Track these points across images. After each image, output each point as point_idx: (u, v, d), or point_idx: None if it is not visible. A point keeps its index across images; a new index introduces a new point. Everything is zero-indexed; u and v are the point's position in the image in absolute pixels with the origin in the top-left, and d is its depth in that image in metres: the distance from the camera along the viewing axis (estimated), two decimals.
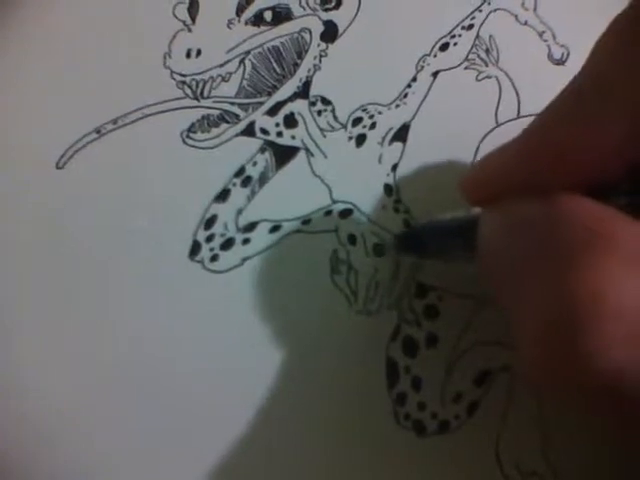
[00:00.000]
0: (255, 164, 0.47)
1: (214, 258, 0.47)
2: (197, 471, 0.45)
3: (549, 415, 0.45)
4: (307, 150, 0.48)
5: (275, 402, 0.44)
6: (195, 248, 0.47)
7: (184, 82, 0.48)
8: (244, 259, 0.48)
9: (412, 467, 0.45)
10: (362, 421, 0.45)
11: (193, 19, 0.49)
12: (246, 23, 0.49)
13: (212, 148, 0.48)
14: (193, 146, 0.48)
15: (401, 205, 0.47)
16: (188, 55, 0.48)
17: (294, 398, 0.45)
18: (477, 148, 0.48)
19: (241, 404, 0.45)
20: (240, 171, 0.48)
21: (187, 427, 0.44)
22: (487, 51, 0.50)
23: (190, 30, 0.49)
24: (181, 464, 0.45)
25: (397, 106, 0.49)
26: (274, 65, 0.49)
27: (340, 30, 0.50)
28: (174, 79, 0.48)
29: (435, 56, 0.50)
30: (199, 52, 0.48)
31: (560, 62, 0.49)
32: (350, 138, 0.48)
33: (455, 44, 0.50)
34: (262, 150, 0.49)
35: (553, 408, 0.44)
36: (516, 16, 0.50)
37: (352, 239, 0.47)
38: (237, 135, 0.48)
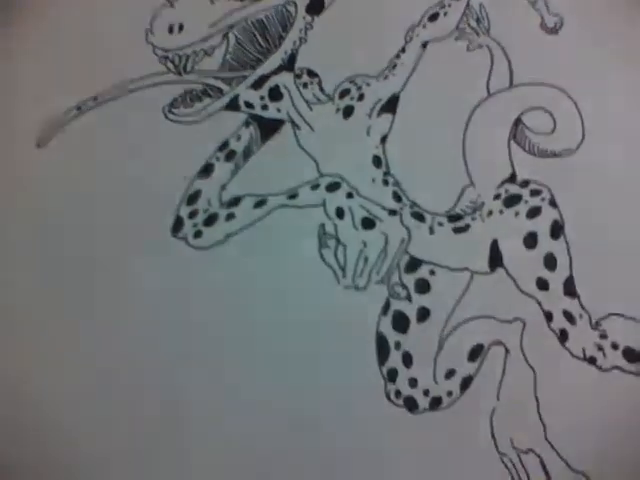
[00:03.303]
0: (239, 138, 0.49)
1: (197, 234, 0.50)
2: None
3: (544, 390, 0.45)
4: (293, 123, 0.50)
5: (261, 379, 0.46)
6: (178, 224, 0.50)
7: (167, 57, 0.50)
8: (228, 235, 0.50)
9: (404, 444, 0.46)
10: (352, 398, 0.46)
11: None
12: None
13: (195, 123, 0.49)
14: (176, 121, 0.50)
15: (390, 177, 0.49)
16: (171, 30, 0.50)
17: (281, 375, 0.47)
18: (468, 119, 0.50)
19: (229, 377, 0.47)
20: (224, 145, 0.51)
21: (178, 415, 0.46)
22: (478, 20, 0.51)
23: (172, 5, 0.51)
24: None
25: (386, 77, 0.51)
26: (258, 38, 0.51)
27: (326, 2, 0.51)
28: (157, 54, 0.50)
29: (424, 26, 0.52)
30: (181, 27, 0.50)
31: (553, 31, 0.51)
32: (337, 110, 0.50)
33: (445, 14, 0.52)
34: (246, 124, 0.51)
35: (549, 383, 0.44)
36: None
37: (340, 213, 0.49)
38: (221, 109, 0.50)
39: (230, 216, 0.49)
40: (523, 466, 0.45)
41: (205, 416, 0.46)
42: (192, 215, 0.49)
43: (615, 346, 0.47)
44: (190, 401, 0.46)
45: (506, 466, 0.46)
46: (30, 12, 0.53)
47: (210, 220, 0.49)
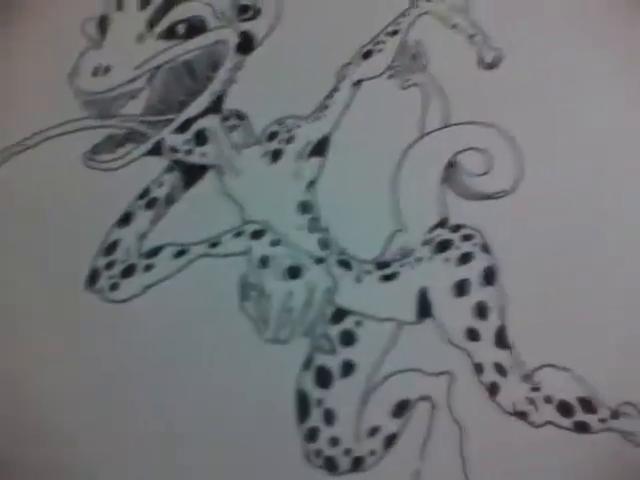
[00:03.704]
0: (161, 185, 0.48)
1: (114, 287, 0.48)
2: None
3: (472, 448, 0.43)
4: (218, 168, 0.48)
5: (173, 441, 0.44)
6: (94, 276, 0.48)
7: (90, 101, 0.48)
8: (146, 287, 0.48)
9: None
10: (270, 460, 0.45)
11: (103, 35, 0.50)
12: (158, 37, 0.50)
13: (116, 169, 0.48)
14: (96, 168, 0.48)
15: (318, 224, 0.48)
16: (95, 73, 0.49)
17: (199, 433, 0.45)
18: (401, 160, 0.48)
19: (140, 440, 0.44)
20: (145, 193, 0.50)
21: None
22: (413, 57, 0.50)
23: (100, 47, 0.49)
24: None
25: (317, 118, 0.49)
26: (186, 80, 0.49)
27: (257, 41, 0.50)
28: (79, 98, 0.48)
29: (358, 65, 0.49)
30: (107, 69, 0.49)
31: (492, 66, 0.49)
32: (265, 154, 0.49)
33: (379, 51, 0.50)
34: (169, 169, 0.50)
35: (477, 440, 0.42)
36: (445, 19, 0.50)
37: (264, 261, 0.47)
38: (143, 155, 0.48)
39: (149, 267, 0.48)
40: None
41: None
42: (109, 266, 0.47)
43: (548, 400, 0.45)
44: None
45: None
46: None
47: (128, 271, 0.47)
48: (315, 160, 0.50)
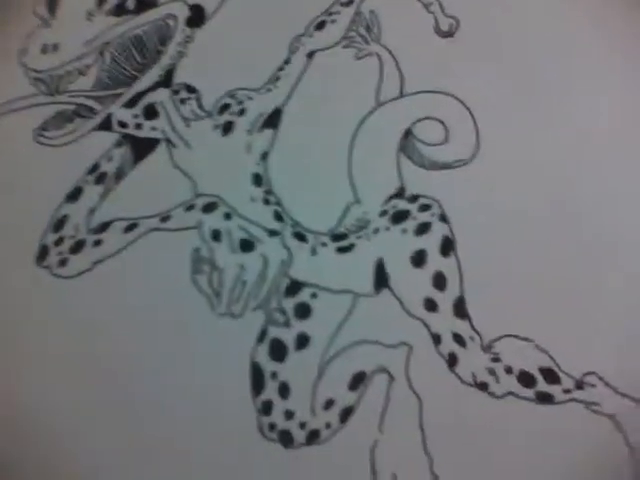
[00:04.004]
0: (111, 159, 0.47)
1: (63, 263, 0.47)
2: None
3: (431, 421, 0.42)
4: (168, 141, 0.47)
5: (128, 415, 0.44)
6: (43, 253, 0.47)
7: (39, 78, 0.47)
8: (95, 262, 0.47)
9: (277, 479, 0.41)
10: (224, 434, 0.44)
11: (53, 14, 0.49)
12: (107, 14, 0.49)
13: (65, 145, 0.47)
14: (45, 144, 0.47)
15: (272, 196, 0.46)
16: (44, 50, 0.48)
17: (152, 406, 0.44)
18: (356, 131, 0.47)
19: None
20: (94, 167, 0.49)
21: None
22: (368, 27, 0.49)
23: (49, 25, 0.48)
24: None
25: (268, 90, 0.49)
26: (135, 54, 0.48)
27: (208, 14, 0.49)
28: (28, 76, 0.47)
29: (311, 36, 0.49)
30: (56, 47, 0.48)
31: (448, 34, 0.48)
32: (216, 127, 0.48)
33: (333, 21, 0.49)
34: (119, 144, 0.49)
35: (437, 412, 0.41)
36: None
37: (216, 235, 0.46)
38: (92, 130, 0.47)
39: (98, 242, 0.47)
40: None
41: None
42: (58, 242, 0.46)
43: (509, 370, 0.44)
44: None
45: None
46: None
47: (77, 247, 0.46)
48: (268, 132, 0.49)
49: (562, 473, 0.41)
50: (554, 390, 0.43)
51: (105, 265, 0.47)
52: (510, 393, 0.44)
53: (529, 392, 0.44)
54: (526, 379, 0.44)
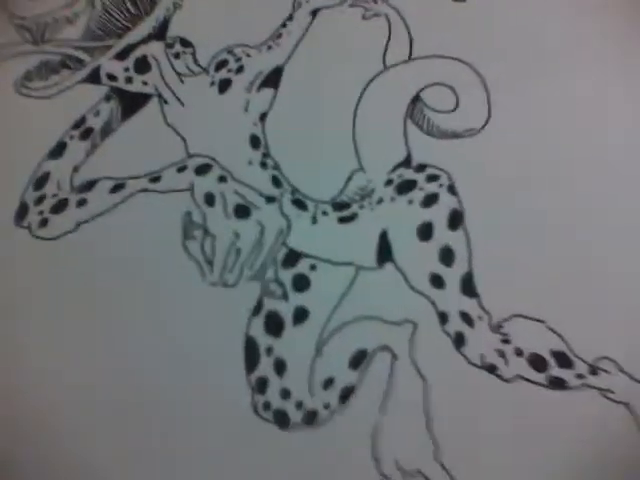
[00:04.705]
0: (98, 114, 0.44)
1: (43, 223, 0.44)
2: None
3: (436, 403, 0.40)
4: (160, 97, 0.44)
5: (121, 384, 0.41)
6: (22, 211, 0.44)
7: (23, 25, 0.44)
8: (79, 223, 0.44)
9: (274, 466, 0.40)
10: (215, 413, 0.41)
11: None
12: None
13: (49, 97, 0.43)
14: (28, 95, 0.43)
15: (270, 160, 0.44)
16: None
17: (141, 389, 0.41)
18: (361, 95, 0.45)
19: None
20: (80, 122, 0.46)
21: None
22: None
23: None
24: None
25: (269, 48, 0.46)
26: (127, 4, 0.45)
27: None
28: (13, 23, 0.43)
29: None
30: None
31: None
32: (212, 83, 0.45)
33: None
34: (107, 98, 0.46)
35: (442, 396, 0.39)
36: None
37: (210, 199, 0.44)
38: (79, 82, 0.44)
39: (82, 202, 0.44)
40: None
41: None
42: (39, 201, 0.43)
43: (519, 352, 0.41)
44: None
45: None
46: None
47: (59, 207, 0.44)
48: (267, 92, 0.46)
49: (575, 460, 0.39)
50: (567, 375, 0.40)
51: (89, 227, 0.44)
52: (520, 376, 0.41)
53: (540, 376, 0.41)
54: (537, 362, 0.41)
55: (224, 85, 0.44)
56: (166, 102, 0.44)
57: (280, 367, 0.41)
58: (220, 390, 0.41)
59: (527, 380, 0.41)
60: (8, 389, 0.41)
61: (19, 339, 0.41)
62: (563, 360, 0.41)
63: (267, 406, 0.40)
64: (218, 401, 0.41)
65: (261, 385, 0.41)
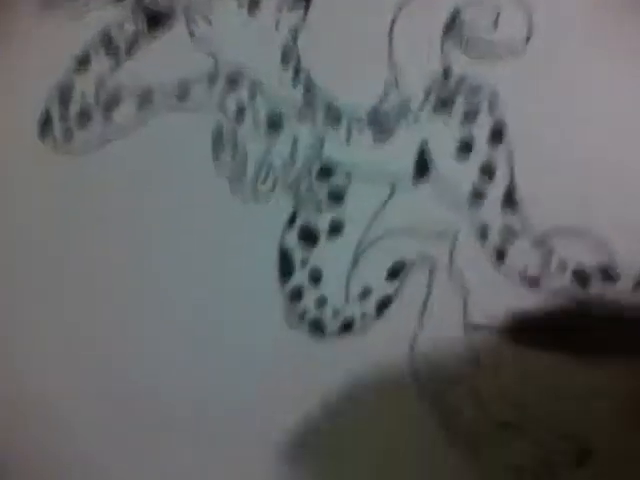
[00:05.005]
0: (123, 28, 0.49)
1: (68, 137, 0.48)
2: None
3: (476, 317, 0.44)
4: (187, 15, 0.50)
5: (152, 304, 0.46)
6: (46, 125, 0.48)
7: None
8: (104, 139, 0.48)
9: (308, 373, 0.44)
10: (249, 322, 0.45)
11: None
12: None
13: (75, 11, 0.49)
14: (52, 10, 0.50)
15: (303, 74, 0.48)
16: None
17: (175, 294, 0.47)
18: (398, 7, 0.50)
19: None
20: (106, 38, 0.49)
21: None
22: None
23: None
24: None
25: None
26: None
27: None
28: None
29: None
30: None
31: None
32: (240, 6, 0.50)
33: None
34: (133, 12, 0.50)
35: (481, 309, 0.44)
36: None
37: (241, 114, 0.47)
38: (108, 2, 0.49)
39: (107, 117, 0.47)
40: (449, 399, 0.44)
41: None
42: (63, 115, 0.47)
43: (562, 266, 0.45)
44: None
45: (426, 398, 0.44)
46: None
47: (84, 122, 0.47)
48: (298, 7, 0.50)
49: None
50: (610, 290, 0.45)
51: (115, 142, 0.48)
52: (562, 291, 0.45)
53: (583, 291, 0.45)
54: (581, 276, 0.45)
55: (254, 3, 0.50)
56: (194, 19, 0.50)
57: (316, 277, 0.45)
58: (253, 301, 0.46)
59: (569, 294, 0.45)
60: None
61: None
62: (606, 274, 0.45)
63: (302, 315, 0.45)
64: (251, 311, 0.46)
65: (296, 294, 0.45)
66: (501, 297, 0.45)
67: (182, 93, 0.48)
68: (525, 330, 0.42)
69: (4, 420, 0.46)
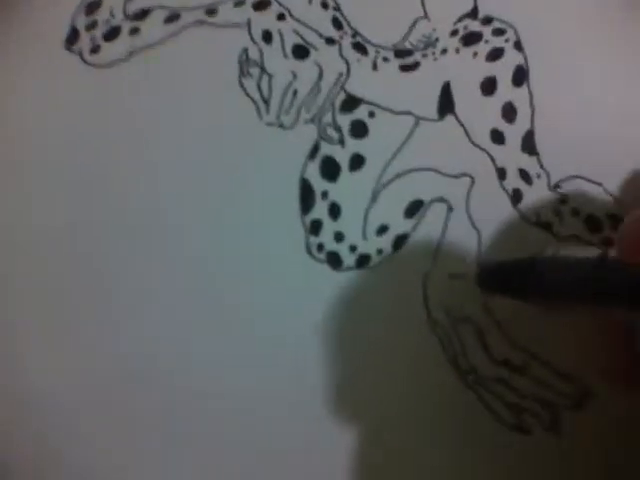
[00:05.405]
0: None
1: (95, 49, 0.48)
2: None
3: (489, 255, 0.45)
4: None
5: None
6: (72, 36, 0.48)
7: None
8: (132, 52, 0.48)
9: (323, 301, 0.46)
10: (268, 250, 0.46)
11: None
12: None
13: None
14: None
15: (330, 3, 0.48)
16: None
17: (194, 216, 0.47)
18: None
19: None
20: None
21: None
22: None
23: None
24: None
25: None
26: None
27: None
28: None
29: None
30: None
31: None
32: None
33: None
34: None
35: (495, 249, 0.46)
36: None
37: (267, 36, 0.47)
38: None
39: (135, 30, 0.47)
40: (457, 335, 0.46)
41: None
42: (90, 27, 0.47)
43: (575, 212, 0.46)
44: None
45: (437, 334, 0.46)
46: None
47: (111, 34, 0.47)
48: None
49: None
50: None
51: (142, 56, 0.47)
52: (575, 236, 0.46)
53: (594, 237, 0.46)
54: (593, 223, 0.46)
55: None
56: None
57: (335, 211, 0.46)
58: (275, 229, 0.46)
59: (579, 239, 0.46)
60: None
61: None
62: (618, 223, 0.45)
63: (321, 247, 0.46)
64: (271, 240, 0.46)
65: (315, 227, 0.46)
66: (515, 238, 0.47)
67: (210, 9, 0.49)
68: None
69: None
